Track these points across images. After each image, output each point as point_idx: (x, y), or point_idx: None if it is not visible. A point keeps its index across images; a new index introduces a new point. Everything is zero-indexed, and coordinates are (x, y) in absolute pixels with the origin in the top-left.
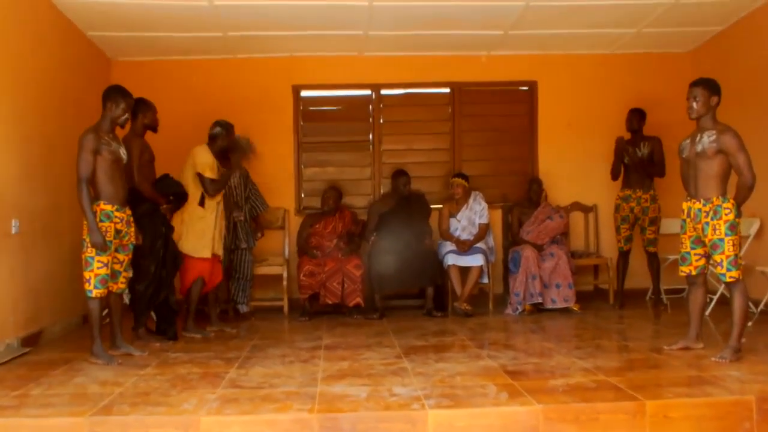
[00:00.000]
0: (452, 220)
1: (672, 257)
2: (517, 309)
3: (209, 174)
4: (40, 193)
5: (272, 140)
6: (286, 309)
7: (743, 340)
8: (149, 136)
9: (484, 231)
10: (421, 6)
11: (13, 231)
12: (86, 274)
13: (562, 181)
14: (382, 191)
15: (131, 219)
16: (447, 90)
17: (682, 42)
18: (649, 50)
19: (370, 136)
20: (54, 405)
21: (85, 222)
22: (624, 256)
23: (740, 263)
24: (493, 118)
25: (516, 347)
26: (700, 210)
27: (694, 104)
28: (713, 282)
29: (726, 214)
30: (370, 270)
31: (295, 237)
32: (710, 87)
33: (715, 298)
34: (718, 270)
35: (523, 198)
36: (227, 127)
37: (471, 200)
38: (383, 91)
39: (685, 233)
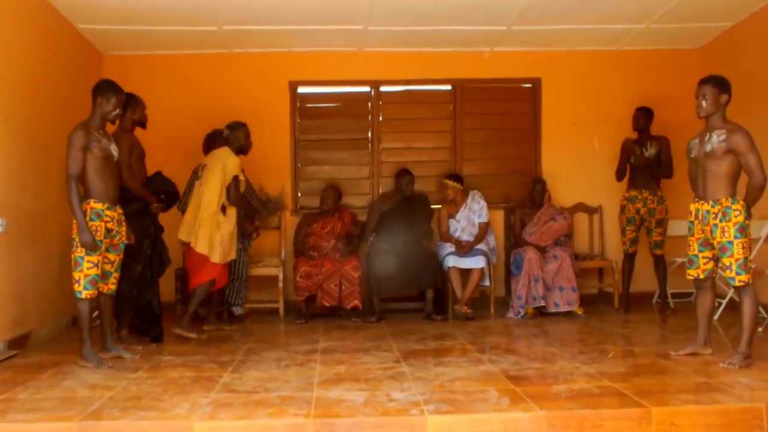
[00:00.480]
0: (451, 221)
1: (679, 260)
2: (519, 312)
3: (240, 174)
4: (27, 192)
5: (268, 138)
6: (281, 311)
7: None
8: (142, 132)
9: (484, 230)
10: (422, 1)
11: (0, 230)
12: (76, 275)
13: (566, 182)
14: (381, 191)
15: (122, 218)
16: (448, 87)
17: (691, 38)
18: (656, 47)
19: (369, 134)
20: (42, 409)
21: (74, 221)
22: (629, 258)
23: (750, 267)
24: (496, 116)
25: (518, 352)
26: (708, 212)
27: (704, 102)
28: (722, 286)
29: (735, 216)
30: (368, 272)
31: (291, 237)
32: (720, 85)
33: (724, 302)
34: (727, 273)
35: (525, 198)
36: (234, 126)
37: (469, 200)
38: (383, 88)
39: (692, 235)
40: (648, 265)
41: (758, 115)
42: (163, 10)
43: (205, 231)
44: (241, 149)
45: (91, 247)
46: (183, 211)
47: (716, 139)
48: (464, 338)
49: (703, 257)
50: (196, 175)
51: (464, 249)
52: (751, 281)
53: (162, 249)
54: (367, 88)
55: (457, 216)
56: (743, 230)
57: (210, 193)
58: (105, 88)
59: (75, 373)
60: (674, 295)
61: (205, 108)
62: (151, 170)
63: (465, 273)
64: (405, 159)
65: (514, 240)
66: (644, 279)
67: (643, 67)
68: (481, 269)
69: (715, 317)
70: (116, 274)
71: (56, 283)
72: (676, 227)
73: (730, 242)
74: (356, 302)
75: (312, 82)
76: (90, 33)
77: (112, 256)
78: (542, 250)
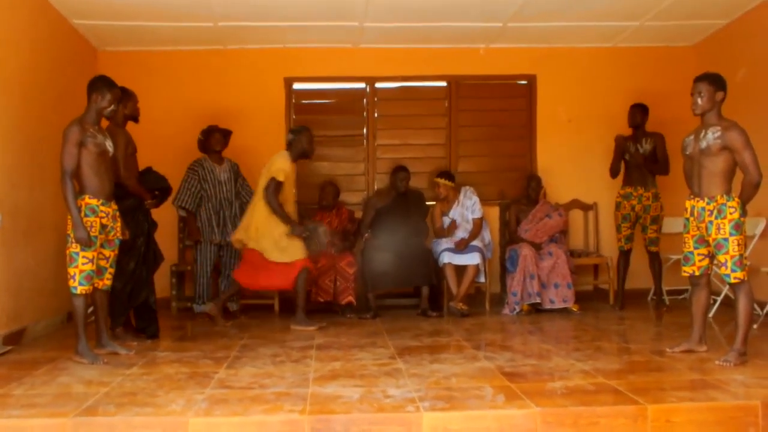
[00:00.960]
0: (445, 219)
1: (674, 257)
2: (514, 309)
3: (281, 177)
4: (23, 187)
5: (263, 134)
6: (276, 307)
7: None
8: (138, 129)
9: (478, 226)
10: None
11: None
12: (71, 271)
13: (561, 178)
14: (376, 187)
15: (117, 214)
16: (444, 84)
17: (686, 35)
18: (652, 44)
19: (365, 131)
20: (37, 405)
21: (69, 217)
22: (625, 255)
23: (745, 264)
24: (491, 113)
25: (513, 348)
26: (703, 209)
27: (699, 100)
28: (717, 283)
29: (731, 213)
30: (363, 268)
31: None
32: (715, 82)
33: (719, 299)
34: (723, 270)
35: (521, 195)
36: (298, 131)
37: (461, 196)
38: (378, 85)
39: (688, 232)
40: (643, 262)
41: (753, 111)
42: (159, 5)
43: (267, 239)
44: (304, 153)
45: (86, 243)
46: (179, 206)
47: (711, 136)
48: (460, 335)
49: (698, 254)
50: (195, 171)
51: (459, 245)
52: (746, 278)
53: (155, 246)
54: (362, 85)
55: (450, 213)
56: (738, 227)
57: (259, 194)
58: (100, 83)
59: (70, 369)
60: (669, 292)
61: (201, 104)
62: (143, 165)
63: (460, 269)
64: (400, 155)
65: (510, 236)
66: (639, 276)
67: (639, 64)
68: (477, 266)
69: (710, 314)
70: (111, 270)
71: (51, 278)
72: (671, 224)
73: (726, 239)
74: (350, 298)
75: (307, 79)
76: (85, 28)
77: (107, 252)
78: (537, 247)
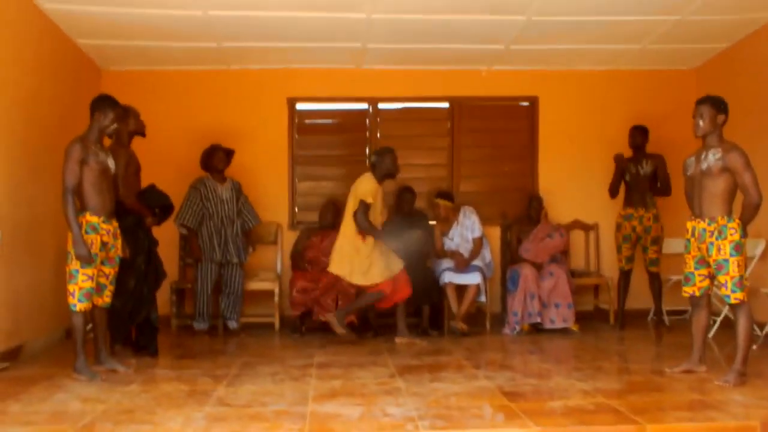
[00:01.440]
0: (445, 240)
1: (675, 278)
2: (514, 328)
3: (370, 199)
4: (23, 204)
5: (266, 153)
6: (277, 325)
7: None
8: (141, 147)
9: (479, 245)
10: (420, 19)
11: None
12: (70, 287)
13: (562, 199)
14: None
15: (118, 231)
16: (446, 105)
17: (687, 59)
18: (653, 67)
19: (367, 151)
20: (34, 422)
21: (70, 234)
22: (625, 275)
23: (745, 285)
24: (493, 133)
25: (513, 368)
26: (704, 230)
27: (701, 122)
28: (717, 303)
29: (731, 234)
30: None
31: (287, 252)
32: (717, 105)
33: (719, 320)
34: (723, 291)
35: (522, 215)
36: (381, 153)
37: (461, 216)
38: (380, 105)
39: (689, 253)
40: (643, 283)
41: (753, 134)
42: (163, 26)
43: (343, 256)
44: (389, 174)
45: (87, 260)
46: (181, 224)
47: (712, 158)
48: (460, 354)
49: (699, 275)
50: (197, 189)
51: (460, 264)
52: (746, 299)
53: (157, 263)
54: (365, 105)
55: (450, 234)
56: (739, 248)
57: (347, 218)
58: (103, 102)
59: (68, 386)
60: (669, 313)
61: (204, 123)
62: (147, 183)
63: (461, 289)
64: (403, 175)
65: (511, 256)
66: (639, 296)
67: (640, 86)
68: (478, 285)
69: (710, 335)
70: (111, 287)
71: (51, 295)
72: (672, 245)
73: (726, 260)
74: (352, 318)
75: (310, 99)
76: (89, 48)
77: (107, 269)
78: (538, 267)
